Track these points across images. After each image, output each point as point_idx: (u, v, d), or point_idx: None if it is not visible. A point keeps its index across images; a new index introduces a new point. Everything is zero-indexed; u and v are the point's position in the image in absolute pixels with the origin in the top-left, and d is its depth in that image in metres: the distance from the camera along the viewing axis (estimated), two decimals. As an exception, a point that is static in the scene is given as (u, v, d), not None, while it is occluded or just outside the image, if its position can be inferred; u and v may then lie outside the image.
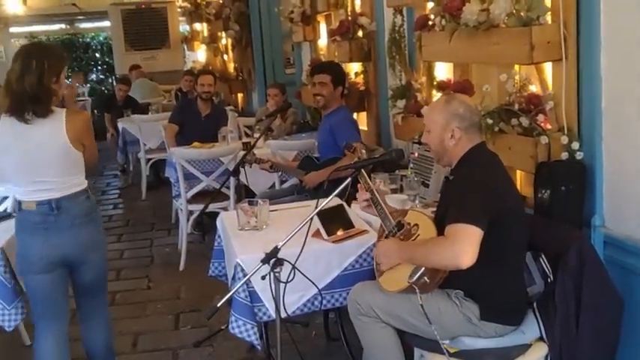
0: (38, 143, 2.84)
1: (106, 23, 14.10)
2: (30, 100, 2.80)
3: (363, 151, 3.25)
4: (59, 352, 3.07)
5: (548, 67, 3.14)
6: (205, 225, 5.66)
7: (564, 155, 2.93)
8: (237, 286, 2.68)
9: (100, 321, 3.25)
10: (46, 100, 2.84)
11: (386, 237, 2.78)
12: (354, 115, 5.22)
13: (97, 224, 3.08)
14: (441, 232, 2.51)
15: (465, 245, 2.35)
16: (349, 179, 2.78)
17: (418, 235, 2.64)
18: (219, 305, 2.43)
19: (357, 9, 5.41)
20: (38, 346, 3.06)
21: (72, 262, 3.01)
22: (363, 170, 2.88)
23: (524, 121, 3.13)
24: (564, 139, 2.92)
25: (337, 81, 4.57)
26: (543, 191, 2.96)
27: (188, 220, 5.20)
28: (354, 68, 5.70)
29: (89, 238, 3.01)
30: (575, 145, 2.90)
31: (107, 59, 18.52)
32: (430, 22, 3.81)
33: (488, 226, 2.40)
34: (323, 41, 6.48)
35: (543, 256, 2.66)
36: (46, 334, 3.04)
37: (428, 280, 2.50)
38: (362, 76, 5.51)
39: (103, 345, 3.26)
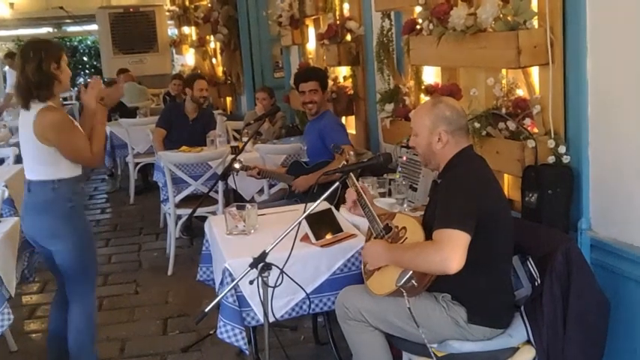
0: (23, 127, 3.17)
1: (94, 27, 14.07)
2: (34, 86, 3.09)
3: (352, 152, 3.26)
4: (60, 315, 3.40)
5: (535, 71, 3.16)
6: (194, 229, 5.65)
7: (551, 159, 2.95)
8: (225, 290, 2.67)
9: (72, 311, 3.33)
10: (48, 85, 3.11)
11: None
12: (343, 119, 5.23)
13: (59, 216, 3.21)
14: (428, 235, 2.52)
15: (452, 250, 2.35)
16: (338, 183, 2.79)
17: (406, 238, 2.64)
18: (207, 310, 2.43)
19: (346, 13, 5.42)
20: (52, 301, 3.57)
21: (38, 244, 3.32)
22: (352, 173, 2.88)
23: (512, 125, 3.14)
24: (551, 143, 2.94)
25: (324, 85, 4.64)
26: (530, 195, 2.98)
27: (176, 224, 5.17)
28: (342, 72, 5.71)
29: (47, 228, 3.22)
30: (562, 149, 2.92)
31: (95, 63, 18.47)
32: (418, 27, 3.82)
33: (475, 229, 2.41)
34: (311, 45, 6.48)
35: (530, 259, 2.67)
36: (56, 294, 3.51)
37: (416, 284, 2.51)
38: (350, 80, 5.51)
39: (73, 340, 3.32)
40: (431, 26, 3.57)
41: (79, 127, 3.24)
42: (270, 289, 2.54)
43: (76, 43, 19.61)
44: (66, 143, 3.14)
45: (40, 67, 3.08)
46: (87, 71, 19.36)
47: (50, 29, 18.04)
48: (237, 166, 4.37)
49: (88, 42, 19.33)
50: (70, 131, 3.16)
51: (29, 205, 3.24)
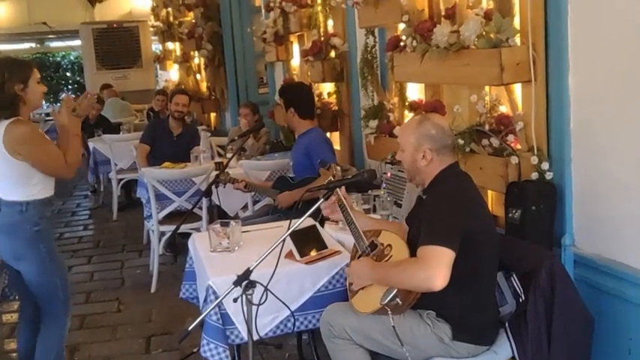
0: None
1: (77, 42, 14.03)
2: None
3: (338, 167, 3.26)
4: (25, 336, 3.39)
5: (517, 88, 3.18)
6: (177, 246, 5.61)
7: (534, 175, 2.96)
8: (209, 308, 2.65)
9: (41, 334, 3.30)
10: (10, 106, 3.07)
11: (359, 257, 2.77)
12: (327, 135, 5.23)
13: (23, 239, 3.17)
14: (413, 252, 2.51)
15: (437, 268, 2.35)
16: (322, 200, 2.78)
17: (391, 255, 2.64)
18: (190, 328, 2.41)
19: (330, 30, 5.44)
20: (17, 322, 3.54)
21: (6, 264, 3.26)
22: (338, 190, 2.87)
23: (495, 142, 3.16)
24: (534, 159, 2.95)
25: (287, 103, 4.59)
26: (514, 211, 2.99)
27: (160, 241, 5.13)
28: (326, 88, 5.72)
29: (11, 249, 3.20)
30: (545, 165, 2.94)
31: (78, 78, 18.40)
32: (402, 43, 3.84)
33: (460, 246, 2.41)
34: (296, 61, 6.50)
35: (515, 275, 2.67)
36: (20, 315, 3.46)
37: (400, 302, 2.50)
38: (335, 96, 5.52)
39: None
40: (414, 43, 3.59)
41: (49, 140, 3.21)
42: (254, 307, 2.52)
43: (59, 59, 19.54)
44: (38, 155, 3.12)
45: (2, 88, 3.05)
46: (70, 86, 19.28)
47: (33, 44, 17.97)
48: (224, 177, 4.38)
49: (71, 57, 19.26)
50: (41, 143, 3.15)
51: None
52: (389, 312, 2.50)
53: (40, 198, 3.17)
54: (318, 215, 3.50)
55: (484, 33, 3.07)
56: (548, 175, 2.94)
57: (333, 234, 3.37)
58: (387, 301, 2.49)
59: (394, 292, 2.48)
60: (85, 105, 3.27)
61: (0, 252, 3.25)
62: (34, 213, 3.16)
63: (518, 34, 3.01)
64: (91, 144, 8.01)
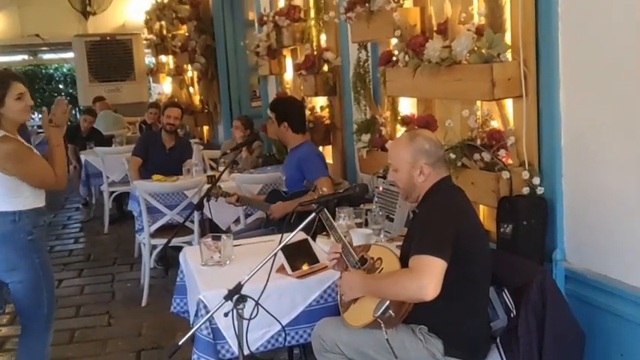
0: None
1: (70, 54, 14.01)
2: None
3: (324, 189, 3.27)
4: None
5: (509, 104, 3.20)
6: (169, 259, 5.58)
7: (525, 190, 2.97)
8: (200, 323, 2.63)
9: (20, 349, 3.29)
10: None
11: (350, 271, 2.77)
12: (320, 149, 5.23)
13: (16, 249, 3.14)
14: (405, 265, 2.51)
15: (428, 277, 2.35)
16: (314, 214, 2.77)
17: (382, 268, 2.64)
18: (181, 343, 2.39)
19: (323, 44, 5.46)
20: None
21: None
22: (325, 210, 2.86)
23: (486, 156, 3.17)
24: (525, 174, 2.96)
25: (280, 118, 4.58)
26: (505, 226, 2.99)
27: (151, 254, 5.11)
28: (319, 102, 5.74)
29: (4, 260, 3.14)
30: (536, 180, 2.95)
31: (71, 91, 18.36)
32: (394, 58, 3.86)
33: (451, 259, 2.41)
34: (289, 75, 6.52)
35: (506, 290, 2.67)
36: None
37: (393, 314, 2.49)
38: (327, 110, 5.54)
39: None
40: (407, 58, 3.61)
41: (37, 153, 3.20)
42: (245, 322, 2.51)
43: (51, 71, 19.51)
44: (25, 170, 3.11)
45: None
46: (62, 99, 19.21)
47: (25, 56, 17.92)
48: (216, 191, 4.37)
49: (64, 70, 19.24)
50: (28, 159, 3.13)
51: None
52: (382, 325, 2.50)
53: (31, 208, 3.16)
54: (310, 229, 3.51)
55: (476, 48, 3.09)
56: (540, 190, 2.95)
57: (324, 248, 3.36)
58: (379, 313, 2.48)
59: (386, 303, 2.48)
60: (60, 113, 3.24)
61: None
62: (28, 222, 3.15)
63: (510, 50, 3.03)
64: (82, 156, 8.00)
